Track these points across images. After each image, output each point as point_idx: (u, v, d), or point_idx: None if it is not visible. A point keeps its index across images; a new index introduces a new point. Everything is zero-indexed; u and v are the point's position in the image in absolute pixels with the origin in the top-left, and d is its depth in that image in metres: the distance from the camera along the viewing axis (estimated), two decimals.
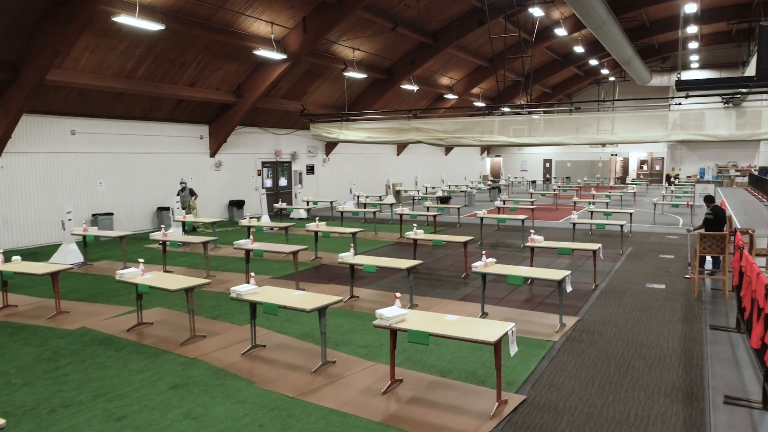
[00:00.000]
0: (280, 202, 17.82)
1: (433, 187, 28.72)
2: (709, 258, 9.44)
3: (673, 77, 34.49)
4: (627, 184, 33.85)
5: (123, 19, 11.66)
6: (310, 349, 6.31)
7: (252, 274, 6.30)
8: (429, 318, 5.19)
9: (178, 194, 15.45)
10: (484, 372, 5.62)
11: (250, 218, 12.83)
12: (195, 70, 15.87)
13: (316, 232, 11.69)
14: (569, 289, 7.03)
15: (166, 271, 10.48)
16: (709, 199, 9.78)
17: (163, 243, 10.44)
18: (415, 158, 31.11)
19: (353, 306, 8.19)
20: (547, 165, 42.40)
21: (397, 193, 25.67)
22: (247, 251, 9.34)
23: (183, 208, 15.20)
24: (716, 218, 9.43)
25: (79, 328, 7.24)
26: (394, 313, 5.00)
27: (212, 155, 18.73)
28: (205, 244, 10.11)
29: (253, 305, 6.13)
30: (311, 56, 18.04)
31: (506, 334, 4.69)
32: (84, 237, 11.24)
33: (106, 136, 15.32)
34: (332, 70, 19.93)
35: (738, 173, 35.96)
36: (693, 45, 29.49)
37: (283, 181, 22.21)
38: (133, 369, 5.79)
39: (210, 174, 18.74)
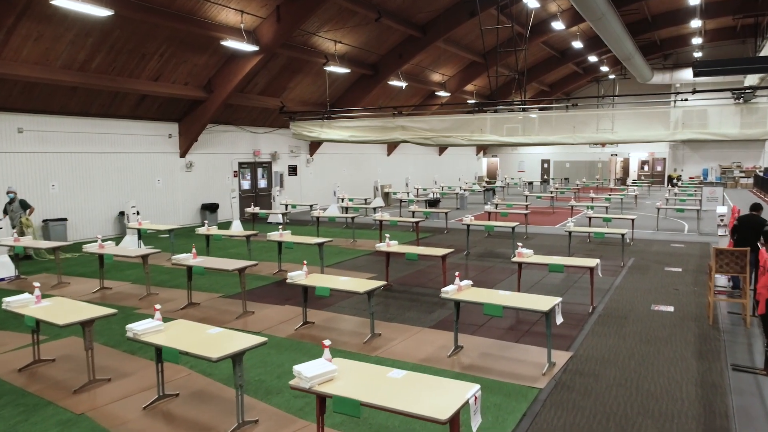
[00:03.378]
0: (252, 206, 16.51)
1: (425, 189, 27.43)
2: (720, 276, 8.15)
3: (676, 74, 33.33)
4: (628, 185, 32.55)
5: (62, 2, 10.36)
6: (233, 400, 5.00)
7: (157, 306, 4.99)
8: (366, 375, 3.87)
9: (5, 209, 11.76)
10: None
11: (209, 226, 11.52)
12: (158, 62, 14.56)
13: (279, 243, 10.40)
14: (560, 320, 5.75)
15: (103, 288, 9.22)
16: (755, 207, 8.35)
17: (100, 256, 9.14)
18: (406, 158, 29.78)
19: (303, 336, 6.89)
20: (545, 166, 41.08)
21: (385, 196, 24.38)
22: (189, 268, 8.05)
23: (13, 227, 11.24)
24: (741, 226, 8.06)
25: None
26: (317, 370, 3.70)
27: (182, 155, 17.41)
28: (144, 257, 8.80)
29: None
30: (289, 49, 16.74)
31: (466, 403, 3.40)
32: (13, 248, 9.94)
33: (60, 135, 14.00)
34: (313, 65, 18.62)
35: (742, 174, 34.68)
36: (697, 40, 28.25)
37: (262, 183, 20.89)
38: None
39: (180, 175, 17.42)
